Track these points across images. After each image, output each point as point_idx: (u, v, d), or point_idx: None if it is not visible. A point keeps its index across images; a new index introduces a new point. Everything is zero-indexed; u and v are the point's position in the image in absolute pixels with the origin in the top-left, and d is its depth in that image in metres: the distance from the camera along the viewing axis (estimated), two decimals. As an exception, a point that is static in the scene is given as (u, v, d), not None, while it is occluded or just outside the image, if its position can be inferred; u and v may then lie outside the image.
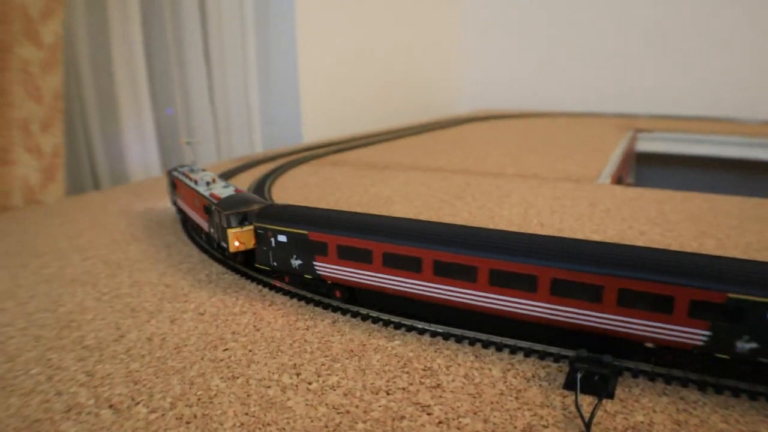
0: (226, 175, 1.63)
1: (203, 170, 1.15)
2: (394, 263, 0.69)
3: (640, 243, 1.00)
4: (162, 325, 0.73)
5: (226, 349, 0.65)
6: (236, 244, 0.85)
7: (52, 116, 1.56)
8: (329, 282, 0.78)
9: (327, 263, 0.76)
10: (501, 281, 0.61)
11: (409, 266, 0.68)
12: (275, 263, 0.81)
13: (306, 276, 0.79)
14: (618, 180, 1.95)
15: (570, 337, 0.61)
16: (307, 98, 2.79)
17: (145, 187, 1.64)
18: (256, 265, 0.84)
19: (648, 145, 3.16)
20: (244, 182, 1.56)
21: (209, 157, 2.37)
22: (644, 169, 3.66)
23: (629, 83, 4.34)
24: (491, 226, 1.09)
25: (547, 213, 1.20)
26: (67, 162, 1.81)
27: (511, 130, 2.92)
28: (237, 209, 0.87)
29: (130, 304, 0.81)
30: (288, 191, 1.44)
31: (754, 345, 0.54)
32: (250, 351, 0.64)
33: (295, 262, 0.79)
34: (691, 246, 1.00)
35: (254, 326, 0.70)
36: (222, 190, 0.96)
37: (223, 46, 2.61)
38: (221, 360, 0.63)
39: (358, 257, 0.73)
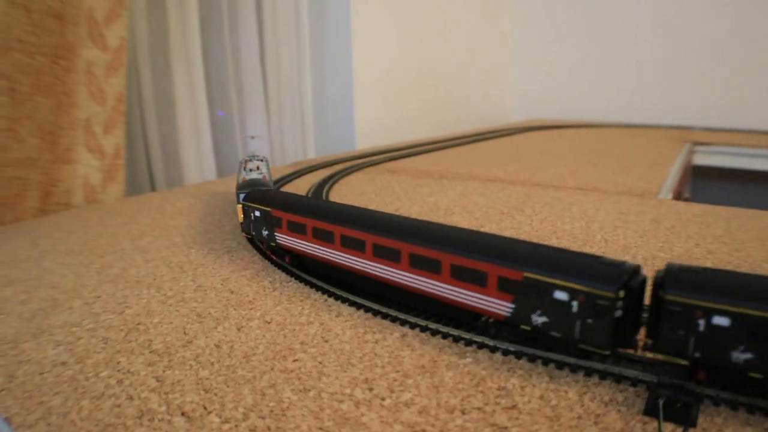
0: (281, 181, 1.63)
1: (260, 160, 1.18)
2: (322, 236, 0.87)
3: (708, 263, 0.98)
4: (229, 333, 0.73)
5: (296, 360, 0.65)
6: (241, 216, 1.05)
7: (114, 118, 1.58)
8: (284, 249, 0.97)
9: (282, 234, 0.96)
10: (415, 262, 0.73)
11: (327, 238, 0.86)
12: (253, 232, 1.02)
13: (271, 243, 0.98)
14: (678, 195, 1.91)
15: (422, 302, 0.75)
16: (361, 105, 2.79)
17: (203, 189, 1.66)
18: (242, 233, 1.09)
19: (706, 158, 3.09)
20: (302, 188, 1.57)
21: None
22: (699, 183, 3.60)
23: (684, 95, 4.27)
24: (556, 240, 1.07)
25: (611, 229, 1.17)
26: (126, 163, 1.84)
27: (566, 140, 2.88)
28: (245, 190, 1.06)
29: (196, 309, 0.81)
30: (346, 198, 1.44)
31: (545, 319, 0.60)
32: (320, 363, 0.64)
33: (264, 233, 0.99)
34: (762, 267, 0.96)
35: (322, 337, 0.70)
36: (251, 175, 1.14)
37: (279, 53, 2.62)
38: (291, 371, 0.62)
39: (301, 231, 0.92)
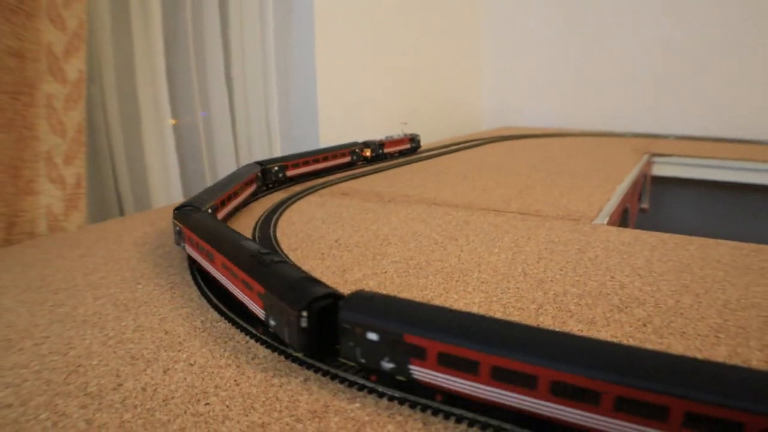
0: (242, 205, 1.71)
1: None
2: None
3: (617, 297, 1.05)
4: (156, 375, 0.81)
5: (207, 404, 0.73)
6: None
7: (74, 149, 1.65)
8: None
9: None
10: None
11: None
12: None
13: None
14: (623, 212, 2.00)
15: None
16: (325, 116, 2.87)
17: (162, 215, 1.73)
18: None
19: (664, 169, 3.19)
20: (259, 211, 1.65)
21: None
22: (664, 191, 3.69)
23: (652, 103, 4.36)
24: (477, 274, 1.16)
25: (534, 261, 1.25)
26: (94, 188, 1.92)
27: (529, 152, 2.97)
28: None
29: (131, 350, 0.88)
30: (294, 227, 1.51)
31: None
32: (227, 407, 0.72)
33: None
34: (666, 303, 1.03)
35: (235, 380, 0.78)
36: None
37: (245, 66, 2.69)
38: (201, 414, 0.70)
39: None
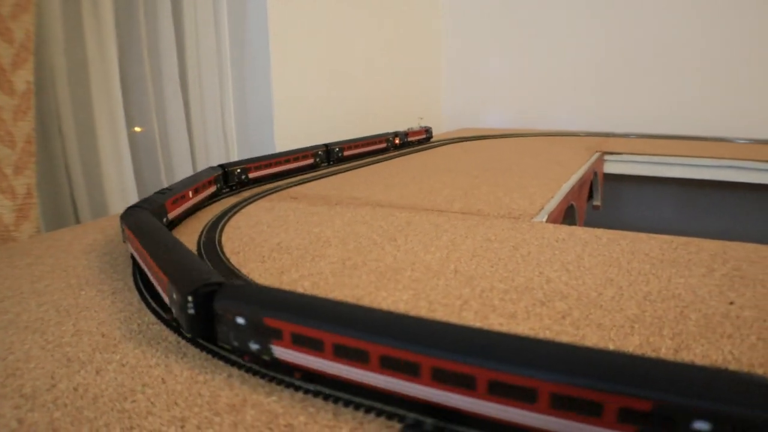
0: (192, 210, 1.74)
1: None
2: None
3: (541, 292, 1.11)
4: (88, 376, 0.84)
5: (134, 401, 0.77)
6: None
7: (24, 159, 1.68)
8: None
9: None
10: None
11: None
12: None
13: None
14: (568, 209, 2.05)
15: None
16: (281, 122, 2.91)
17: (113, 222, 1.76)
18: None
19: (616, 167, 3.26)
20: (209, 215, 1.69)
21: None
22: (620, 188, 3.77)
23: (611, 102, 4.43)
24: (410, 272, 1.20)
25: (468, 258, 1.30)
26: (49, 197, 1.94)
27: (481, 153, 3.03)
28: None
29: (68, 353, 0.92)
30: (240, 231, 1.55)
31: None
32: (152, 403, 0.76)
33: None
34: (589, 296, 1.08)
35: (162, 378, 0.82)
36: None
37: (201, 74, 2.72)
38: (126, 411, 0.74)
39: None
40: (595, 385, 0.50)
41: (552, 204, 1.83)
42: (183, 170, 2.57)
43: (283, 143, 2.78)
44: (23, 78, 1.67)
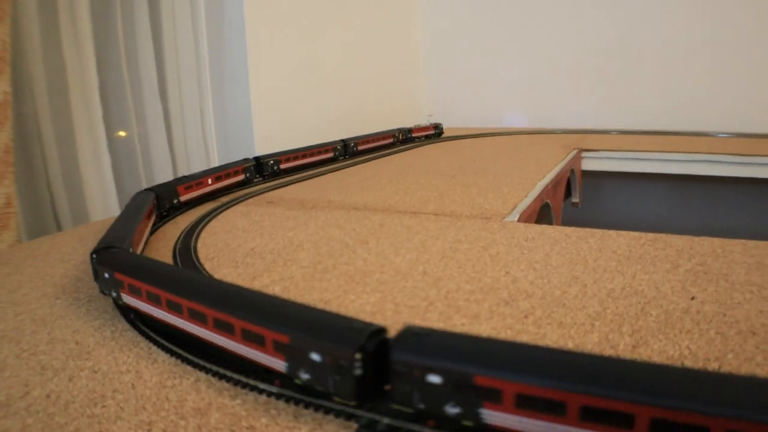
0: (175, 208, 1.77)
1: None
2: None
3: (506, 292, 1.13)
4: (61, 383, 0.87)
5: (104, 406, 0.79)
6: None
7: (2, 170, 1.70)
8: None
9: None
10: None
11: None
12: None
13: None
14: (542, 208, 2.09)
15: None
16: (260, 124, 2.93)
17: (92, 230, 1.78)
18: None
19: (594, 164, 3.29)
20: (187, 220, 1.71)
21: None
22: (601, 185, 3.81)
23: (590, 99, 4.46)
24: (378, 275, 1.23)
25: (437, 260, 1.33)
26: (30, 206, 1.96)
27: (458, 153, 3.06)
28: None
29: (42, 361, 0.95)
30: (216, 236, 1.58)
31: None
32: (121, 408, 0.78)
33: None
34: (553, 295, 1.11)
35: (132, 384, 0.85)
36: None
37: (181, 80, 2.73)
38: (96, 416, 0.77)
39: None
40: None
41: (524, 203, 1.86)
42: (163, 176, 2.59)
43: (263, 148, 2.80)
44: (0, 89, 1.69)
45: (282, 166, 2.42)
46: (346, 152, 2.88)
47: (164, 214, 1.77)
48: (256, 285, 1.19)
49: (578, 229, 1.57)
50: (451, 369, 0.61)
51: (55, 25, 2.21)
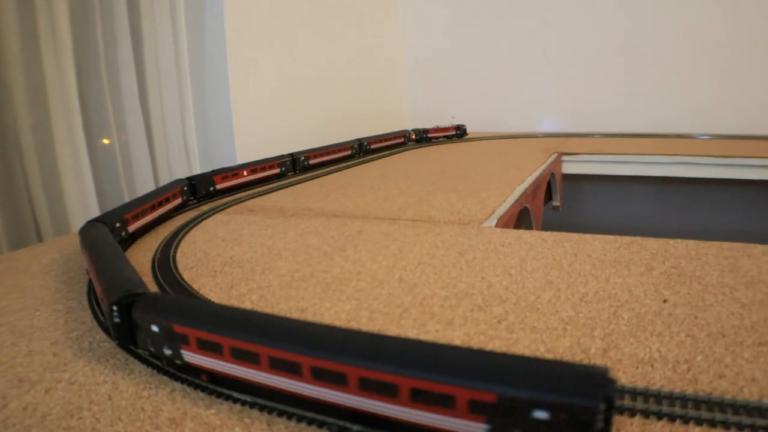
0: (155, 222, 1.77)
1: None
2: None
3: (480, 297, 1.15)
4: (38, 395, 0.88)
5: (80, 418, 0.80)
6: None
7: (-19, 182, 1.70)
8: None
9: None
10: None
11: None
12: None
13: None
14: (522, 212, 2.11)
15: None
16: (241, 130, 2.94)
17: (72, 241, 1.78)
18: None
19: (575, 167, 3.32)
20: (165, 231, 1.72)
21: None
22: (584, 187, 3.83)
23: (572, 102, 4.48)
24: (355, 282, 1.25)
25: (413, 266, 1.34)
26: (11, 217, 1.96)
27: (440, 157, 3.08)
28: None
29: (20, 374, 0.95)
30: (195, 245, 1.59)
31: None
32: (97, 419, 0.79)
33: None
34: (527, 300, 1.13)
35: (108, 395, 0.86)
36: None
37: (162, 88, 2.74)
38: (72, 428, 0.78)
39: None
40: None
41: (503, 209, 1.88)
42: (145, 184, 2.59)
43: (244, 155, 2.81)
44: (-22, 101, 1.69)
45: (311, 162, 2.73)
46: (361, 150, 3.21)
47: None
48: (233, 294, 1.21)
49: (555, 233, 1.59)
50: (161, 321, 0.83)
51: (34, 34, 2.21)
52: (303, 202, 2.06)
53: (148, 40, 2.73)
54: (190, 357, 0.82)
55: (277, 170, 2.48)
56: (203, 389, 0.84)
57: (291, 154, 2.58)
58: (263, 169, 2.40)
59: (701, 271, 1.26)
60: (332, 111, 3.83)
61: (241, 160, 2.73)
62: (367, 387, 0.64)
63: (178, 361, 0.85)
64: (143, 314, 0.87)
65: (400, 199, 2.03)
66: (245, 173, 2.34)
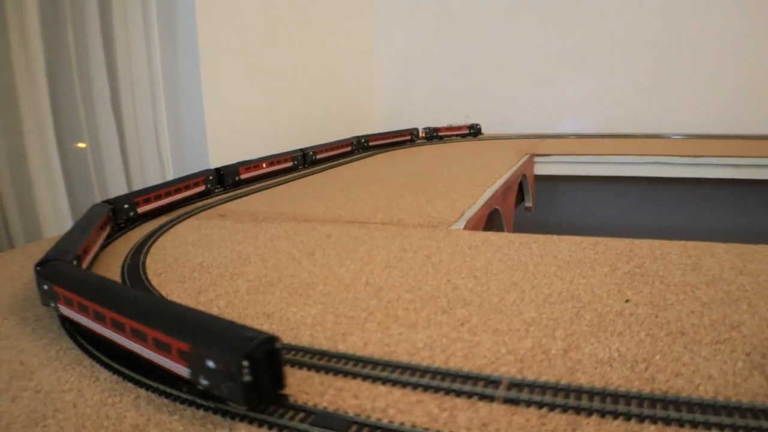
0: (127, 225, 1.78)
1: None
2: None
3: (445, 300, 1.16)
4: (4, 404, 0.88)
5: (45, 426, 0.81)
6: None
7: (-50, 190, 1.70)
8: None
9: None
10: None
11: None
12: None
13: None
14: (492, 214, 2.13)
15: None
16: (214, 140, 2.94)
17: (43, 247, 1.78)
18: None
19: (546, 168, 3.35)
20: (136, 236, 1.72)
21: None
22: (558, 187, 3.87)
23: (545, 103, 4.51)
24: (322, 286, 1.26)
25: (380, 269, 1.35)
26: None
27: (412, 159, 3.10)
28: None
29: (-15, 383, 0.96)
30: (165, 251, 1.59)
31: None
32: (61, 427, 0.80)
33: None
34: (491, 302, 1.14)
35: (73, 403, 0.86)
36: None
37: (134, 93, 2.73)
38: (36, 436, 0.79)
39: None
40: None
41: (472, 211, 1.89)
42: (118, 191, 2.59)
43: (217, 160, 2.82)
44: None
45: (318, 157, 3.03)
46: (360, 147, 3.51)
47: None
48: (202, 300, 1.22)
49: (522, 235, 1.61)
50: (50, 282, 1.06)
51: (4, 39, 2.21)
52: (275, 206, 2.07)
53: (121, 46, 2.73)
54: (63, 310, 1.06)
55: (290, 163, 2.78)
56: (167, 395, 0.86)
57: (302, 149, 2.90)
58: (278, 162, 2.68)
59: (664, 271, 1.28)
60: (305, 113, 3.83)
61: (214, 164, 2.73)
62: (139, 337, 0.86)
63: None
64: (44, 276, 1.10)
65: (370, 202, 2.04)
66: (264, 165, 2.59)
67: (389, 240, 1.59)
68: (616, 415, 0.74)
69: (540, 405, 0.78)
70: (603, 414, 0.75)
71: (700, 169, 3.18)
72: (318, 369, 0.89)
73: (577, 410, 0.76)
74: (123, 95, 2.73)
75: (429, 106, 4.83)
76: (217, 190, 2.36)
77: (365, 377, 0.86)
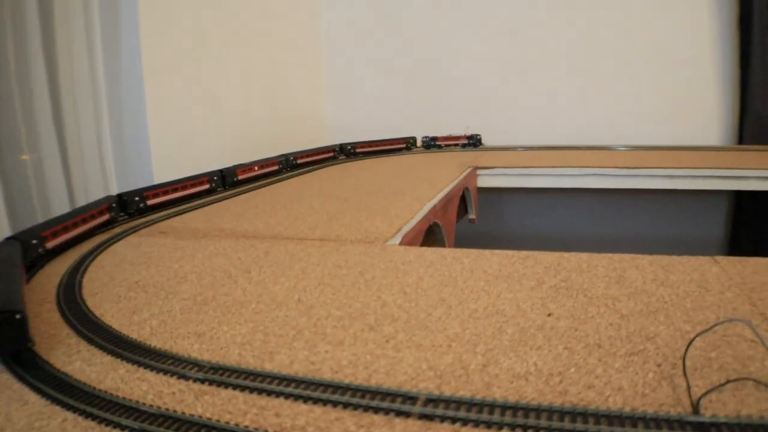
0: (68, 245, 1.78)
1: None
2: None
3: (373, 317, 1.18)
4: (-71, 431, 0.90)
5: (-29, 452, 0.83)
6: None
7: None
8: None
9: None
10: None
11: None
12: None
13: None
14: (431, 228, 2.17)
15: None
16: (159, 154, 2.94)
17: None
18: None
19: (489, 180, 3.40)
20: (73, 256, 1.73)
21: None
22: (504, 199, 3.93)
23: (489, 116, 4.56)
24: (255, 305, 1.29)
25: (313, 287, 1.38)
26: None
27: (357, 173, 3.12)
28: None
29: None
30: (103, 270, 1.60)
31: None
32: (-13, 452, 0.83)
33: None
34: (418, 318, 1.17)
35: (0, 428, 0.88)
36: None
37: (77, 106, 2.72)
38: (-39, 462, 0.81)
39: None
40: None
41: (409, 226, 1.93)
42: (60, 205, 2.58)
43: (162, 174, 2.82)
44: None
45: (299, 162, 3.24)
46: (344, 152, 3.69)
47: None
48: (135, 320, 1.23)
49: (456, 249, 1.64)
50: None
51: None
52: (216, 222, 2.08)
53: (63, 59, 2.71)
54: None
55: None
56: (94, 418, 0.88)
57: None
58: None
59: (589, 284, 1.32)
60: (252, 125, 3.85)
61: (159, 178, 2.73)
62: None
63: None
64: None
65: (311, 218, 2.07)
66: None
67: (325, 256, 1.62)
68: (526, 428, 0.78)
69: (454, 420, 0.81)
70: (514, 428, 0.78)
71: (637, 180, 3.27)
72: (243, 389, 0.92)
73: (489, 425, 0.79)
74: (65, 109, 2.72)
75: (374, 120, 4.87)
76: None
77: (288, 396, 0.89)
